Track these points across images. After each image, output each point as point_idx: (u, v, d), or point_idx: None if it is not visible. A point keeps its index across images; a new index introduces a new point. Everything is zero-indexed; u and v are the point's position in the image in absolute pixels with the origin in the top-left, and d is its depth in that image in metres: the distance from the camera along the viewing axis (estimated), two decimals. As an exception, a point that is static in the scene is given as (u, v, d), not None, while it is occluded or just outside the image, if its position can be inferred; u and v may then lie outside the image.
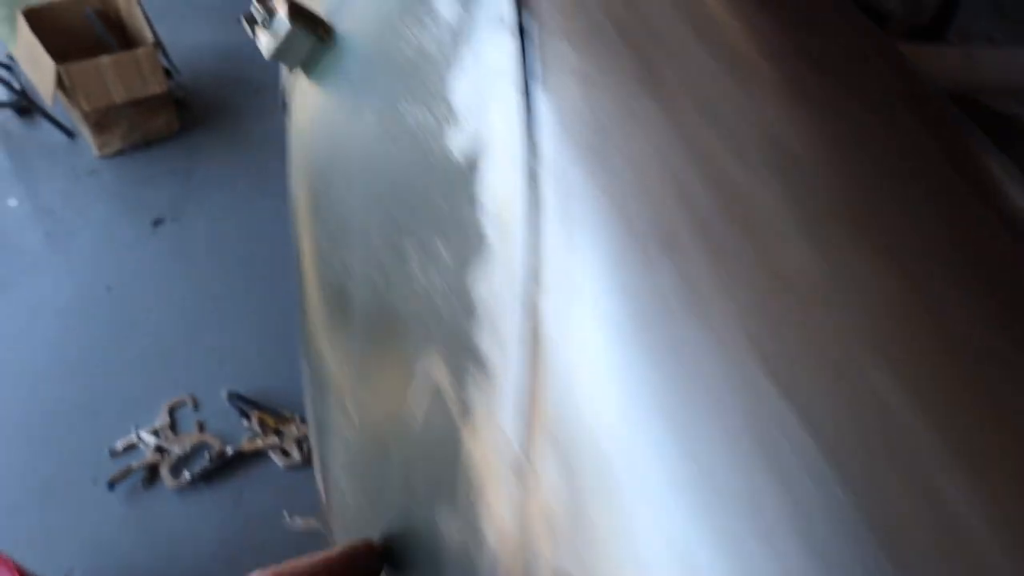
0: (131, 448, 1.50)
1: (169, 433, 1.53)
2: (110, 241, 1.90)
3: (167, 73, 2.14)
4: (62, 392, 1.59)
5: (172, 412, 1.57)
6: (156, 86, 2.00)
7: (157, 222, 1.95)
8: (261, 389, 1.60)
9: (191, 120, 2.23)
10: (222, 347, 1.68)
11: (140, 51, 1.95)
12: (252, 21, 0.46)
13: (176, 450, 1.49)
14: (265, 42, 0.46)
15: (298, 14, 0.45)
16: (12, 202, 1.97)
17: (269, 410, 1.57)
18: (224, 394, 1.58)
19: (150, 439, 1.51)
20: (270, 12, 0.45)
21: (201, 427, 1.55)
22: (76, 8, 2.10)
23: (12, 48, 2.31)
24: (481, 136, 0.34)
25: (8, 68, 2.28)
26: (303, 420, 1.55)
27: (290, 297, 1.78)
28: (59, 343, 1.67)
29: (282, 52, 0.46)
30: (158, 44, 2.04)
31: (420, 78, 0.39)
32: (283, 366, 1.63)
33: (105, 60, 1.89)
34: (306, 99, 0.50)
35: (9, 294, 1.77)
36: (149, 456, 1.48)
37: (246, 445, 1.51)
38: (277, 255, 1.92)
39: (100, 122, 2.01)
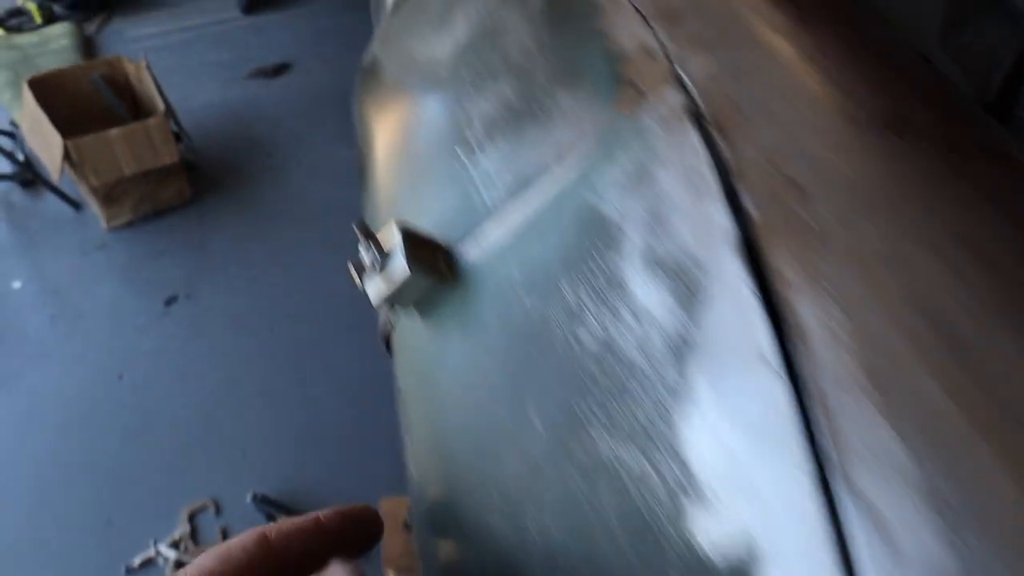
0: (149, 563, 1.38)
1: (190, 544, 1.41)
2: (121, 323, 1.78)
3: (177, 138, 2.04)
4: (71, 498, 1.47)
5: (192, 518, 1.45)
6: (168, 156, 1.90)
7: (170, 300, 1.83)
8: (289, 490, 1.48)
9: (202, 186, 2.13)
10: (245, 441, 1.56)
11: (151, 122, 1.85)
12: (360, 268, 0.35)
13: (198, 564, 1.37)
14: (375, 289, 0.35)
15: (418, 252, 0.35)
16: (16, 284, 1.86)
17: (297, 512, 1.45)
18: (249, 496, 1.46)
19: (169, 553, 1.39)
20: (381, 251, 0.35)
21: (224, 534, 1.43)
22: (83, 74, 2.01)
23: (15, 115, 2.21)
24: (753, 536, 0.23)
25: (11, 136, 2.18)
26: (334, 523, 1.43)
27: (317, 382, 1.67)
28: (67, 440, 1.56)
29: (395, 297, 0.35)
30: (169, 111, 1.94)
31: (615, 395, 0.28)
32: (312, 463, 1.52)
33: (115, 133, 1.79)
34: (419, 343, 0.39)
35: (12, 386, 1.65)
36: (169, 574, 1.35)
37: (274, 555, 1.39)
38: (299, 335, 1.81)
39: (109, 195, 1.91)
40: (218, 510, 1.46)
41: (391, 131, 0.48)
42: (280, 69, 2.64)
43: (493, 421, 0.32)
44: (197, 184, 2.12)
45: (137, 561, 1.37)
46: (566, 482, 0.29)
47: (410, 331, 0.40)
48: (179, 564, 1.36)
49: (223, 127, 2.35)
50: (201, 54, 2.74)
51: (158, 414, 1.60)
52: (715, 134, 0.30)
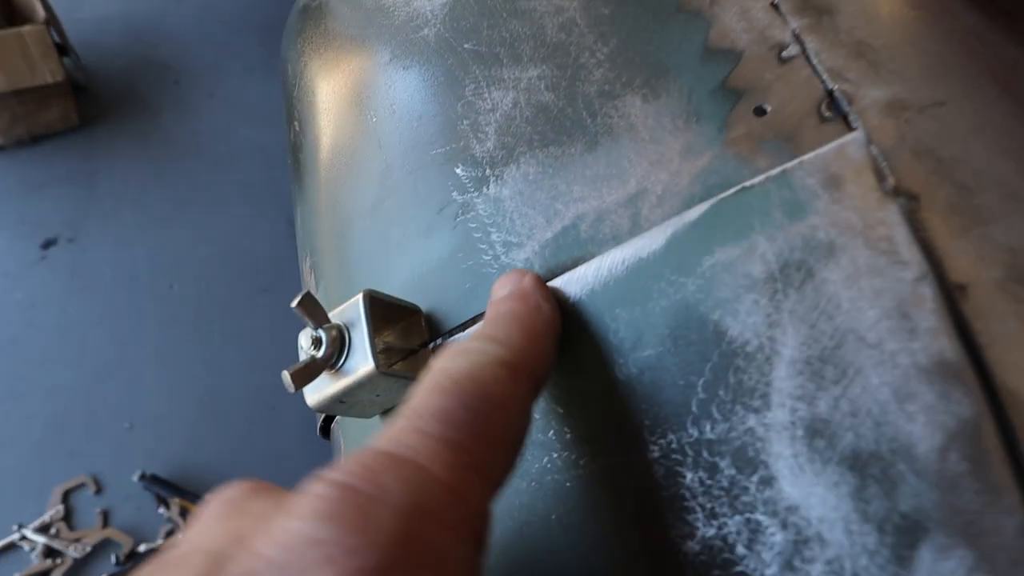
0: (10, 550, 1.18)
1: (63, 528, 1.22)
2: (-14, 267, 1.51)
3: (61, 51, 1.72)
4: (-84, 472, 1.23)
5: (67, 499, 1.25)
6: (48, 73, 1.59)
7: (48, 243, 1.56)
8: (182, 468, 1.30)
9: (94, 112, 1.81)
10: (133, 411, 1.36)
11: (27, 30, 1.53)
12: (309, 372, 0.21)
13: (73, 552, 1.18)
14: (317, 387, 0.22)
15: (387, 331, 0.21)
16: None
17: (192, 495, 1.28)
18: (135, 475, 1.27)
19: (38, 538, 1.19)
20: (337, 339, 0.21)
21: (105, 519, 1.24)
22: (-58, -36, 1.65)
23: None
24: None
25: None
26: (234, 508, 1.28)
27: (221, 349, 1.48)
28: (-86, 402, 1.31)
29: (348, 398, 0.22)
30: (51, 20, 1.63)
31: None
32: (211, 439, 1.34)
33: (-21, 39, 1.48)
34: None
35: None
36: (37, 563, 1.16)
37: (164, 542, 1.22)
38: (204, 294, 1.60)
39: (-28, 112, 1.59)
40: (98, 489, 1.27)
41: (343, 115, 0.32)
42: (193, -17, 2.29)
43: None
44: (87, 109, 1.81)
45: (-4, 548, 1.17)
46: None
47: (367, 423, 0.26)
48: (50, 551, 1.18)
49: (122, 45, 2.01)
50: (98, -45, 2.34)
51: (29, 377, 1.37)
52: (900, 209, 0.18)
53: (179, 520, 1.25)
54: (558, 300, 0.22)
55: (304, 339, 0.22)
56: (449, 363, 0.19)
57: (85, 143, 1.77)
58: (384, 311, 0.23)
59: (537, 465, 0.21)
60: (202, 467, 1.31)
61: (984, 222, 0.18)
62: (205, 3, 2.23)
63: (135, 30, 2.05)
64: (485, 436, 0.18)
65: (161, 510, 1.25)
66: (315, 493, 0.15)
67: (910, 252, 0.17)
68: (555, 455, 0.21)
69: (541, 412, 0.22)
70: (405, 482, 0.16)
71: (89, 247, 1.58)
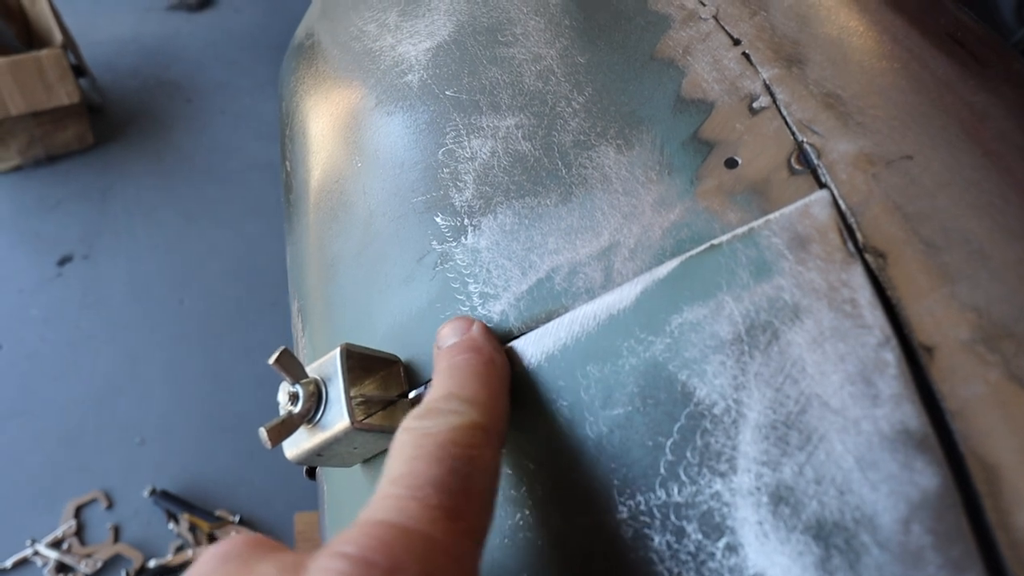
0: (23, 564, 1.19)
1: (75, 543, 1.22)
2: (3, 284, 1.53)
3: (78, 72, 1.74)
4: (-65, 487, 1.25)
5: (79, 514, 1.26)
6: (64, 95, 1.61)
7: (64, 260, 1.58)
8: (192, 484, 1.31)
9: (108, 132, 1.84)
10: (144, 427, 1.37)
11: (45, 54, 1.56)
12: (285, 428, 0.21)
13: (84, 568, 1.19)
14: (296, 441, 0.22)
15: (364, 384, 0.21)
16: None
17: (202, 511, 1.28)
18: (146, 491, 1.28)
19: (50, 553, 1.20)
20: (316, 398, 0.21)
21: (116, 534, 1.25)
22: (-37, -10, 1.68)
23: None
24: None
25: None
26: (243, 522, 1.28)
27: (231, 364, 1.49)
28: (-67, 418, 1.32)
29: (324, 458, 0.22)
30: (68, 43, 1.65)
31: None
32: (221, 455, 1.34)
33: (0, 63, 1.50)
34: (362, 486, 0.26)
35: None
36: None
37: (173, 558, 1.22)
38: (214, 309, 1.61)
39: (-9, 133, 1.62)
40: (110, 504, 1.27)
41: (331, 158, 0.32)
42: (205, 2, 2.32)
43: None
44: (102, 129, 1.83)
45: (10, 562, 1.18)
46: None
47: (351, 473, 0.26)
48: (62, 566, 1.18)
49: (135, 66, 2.04)
50: (113, -23, 2.38)
51: (43, 392, 1.38)
52: (870, 263, 0.18)
53: (188, 536, 1.26)
54: (521, 356, 0.23)
55: (282, 395, 0.22)
56: (430, 426, 0.19)
57: (100, 161, 1.79)
58: (362, 362, 0.23)
59: (510, 522, 0.21)
60: (211, 482, 1.32)
61: (952, 281, 0.18)
62: (215, 23, 2.26)
63: (148, 51, 2.08)
64: (474, 500, 0.18)
65: (171, 525, 1.25)
66: (334, 568, 0.15)
67: (873, 316, 0.17)
68: (527, 512, 0.21)
69: (512, 467, 0.22)
70: (417, 555, 0.16)
71: (102, 263, 1.60)
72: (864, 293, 0.17)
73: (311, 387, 0.22)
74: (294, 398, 0.21)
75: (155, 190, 1.75)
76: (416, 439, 0.19)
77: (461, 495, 0.18)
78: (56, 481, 1.28)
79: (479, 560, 0.18)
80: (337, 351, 0.22)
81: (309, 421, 0.22)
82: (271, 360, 0.21)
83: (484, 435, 0.19)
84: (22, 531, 1.21)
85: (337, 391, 0.21)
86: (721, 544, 0.17)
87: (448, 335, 0.23)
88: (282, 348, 0.21)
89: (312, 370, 0.23)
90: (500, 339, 0.23)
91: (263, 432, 0.20)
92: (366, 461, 0.25)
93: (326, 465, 0.24)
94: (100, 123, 1.84)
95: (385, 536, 0.16)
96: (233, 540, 0.19)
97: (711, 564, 0.17)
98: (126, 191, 1.74)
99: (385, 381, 0.24)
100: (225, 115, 1.96)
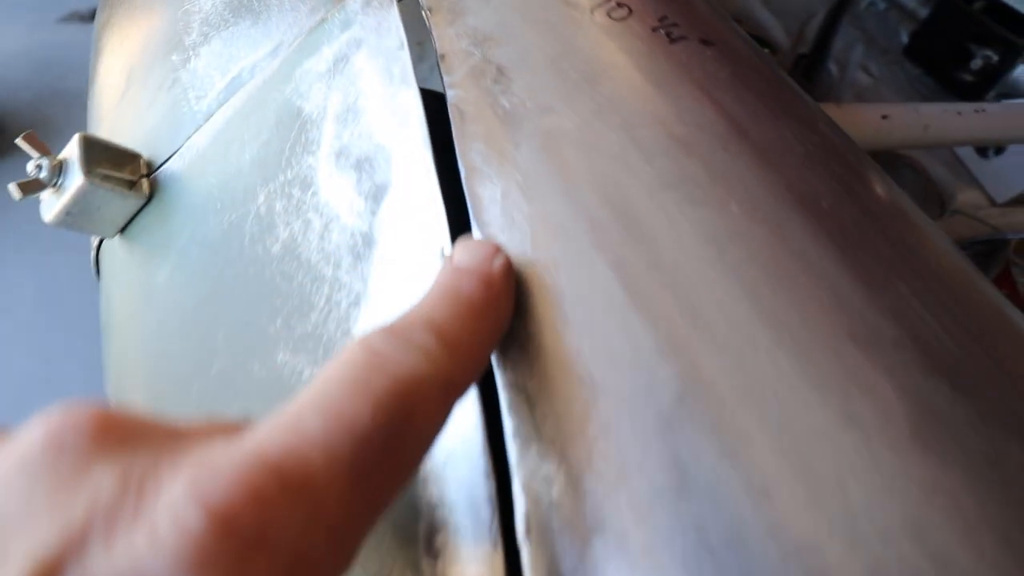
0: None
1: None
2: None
3: (-32, 88, 1.72)
4: None
5: None
6: (-48, 108, 1.59)
7: (-33, 271, 1.56)
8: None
9: (5, 147, 1.82)
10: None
11: (-74, 67, 1.53)
12: (27, 187, 0.28)
13: None
14: (49, 205, 0.28)
15: (101, 162, 0.28)
16: None
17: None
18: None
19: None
20: (57, 166, 0.28)
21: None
22: None
23: None
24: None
25: None
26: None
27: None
28: None
29: (74, 211, 0.28)
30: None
31: (297, 308, 0.24)
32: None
33: None
34: (124, 267, 0.33)
35: None
36: None
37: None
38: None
39: None
40: None
41: (114, 47, 0.40)
42: (100, 16, 2.30)
43: (186, 347, 0.26)
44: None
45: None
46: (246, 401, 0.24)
47: (114, 254, 0.33)
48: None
49: (30, 79, 2.01)
50: (1, -6, 2.33)
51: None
52: (425, 15, 0.26)
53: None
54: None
55: (30, 166, 0.28)
56: (388, 357, 0.16)
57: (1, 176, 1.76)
58: (107, 154, 0.30)
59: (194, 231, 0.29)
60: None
61: (464, 14, 0.26)
62: (112, 34, 2.25)
63: (42, 62, 2.05)
64: (391, 471, 0.15)
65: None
66: (184, 523, 0.12)
67: (397, 32, 0.25)
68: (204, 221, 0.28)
69: (196, 193, 0.29)
70: (296, 527, 0.13)
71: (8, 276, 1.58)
72: (395, 22, 0.25)
73: (54, 161, 0.28)
74: (39, 168, 0.28)
75: (58, 197, 1.74)
76: (368, 363, 0.15)
77: (381, 456, 0.14)
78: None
79: (363, 540, 0.14)
80: (76, 136, 0.29)
81: (55, 187, 0.28)
82: (18, 139, 0.27)
83: (442, 394, 0.16)
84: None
85: (75, 164, 0.28)
86: (309, 193, 0.24)
87: (466, 253, 0.19)
88: (27, 132, 0.28)
89: (60, 156, 0.29)
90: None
91: (13, 186, 0.27)
92: (123, 230, 0.32)
93: (84, 230, 0.31)
94: (-4, 137, 1.81)
95: (265, 489, 0.12)
96: (72, 417, 0.13)
97: (303, 207, 0.25)
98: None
99: (126, 166, 0.31)
100: (127, 122, 1.96)
